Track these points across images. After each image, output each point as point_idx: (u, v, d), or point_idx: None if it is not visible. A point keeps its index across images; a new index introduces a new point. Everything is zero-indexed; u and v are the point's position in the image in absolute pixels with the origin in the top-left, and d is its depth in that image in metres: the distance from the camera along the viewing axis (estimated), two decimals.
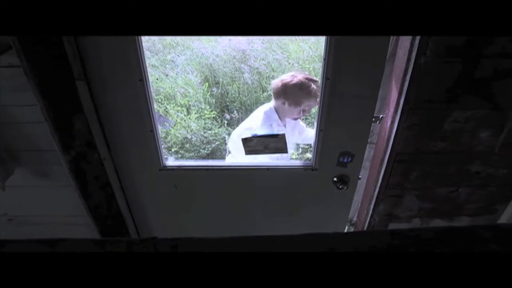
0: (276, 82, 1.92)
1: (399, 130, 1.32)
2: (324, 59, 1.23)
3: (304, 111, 1.93)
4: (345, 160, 1.51)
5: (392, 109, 1.29)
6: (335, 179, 1.57)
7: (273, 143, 1.58)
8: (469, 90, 1.28)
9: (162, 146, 1.53)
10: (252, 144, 1.57)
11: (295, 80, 1.84)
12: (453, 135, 1.42)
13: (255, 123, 1.93)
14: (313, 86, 1.82)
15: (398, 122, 1.30)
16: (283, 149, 1.60)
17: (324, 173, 1.56)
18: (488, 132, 1.43)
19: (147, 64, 1.29)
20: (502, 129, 1.43)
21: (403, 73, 1.20)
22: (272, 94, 1.99)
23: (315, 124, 1.45)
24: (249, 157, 1.69)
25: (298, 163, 1.69)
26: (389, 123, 1.33)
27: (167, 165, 1.54)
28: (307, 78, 1.85)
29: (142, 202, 1.67)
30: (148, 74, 1.30)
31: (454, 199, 1.70)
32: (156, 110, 1.42)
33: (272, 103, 1.98)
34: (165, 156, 1.59)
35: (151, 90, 1.34)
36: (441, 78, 1.23)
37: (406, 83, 1.19)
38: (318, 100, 1.64)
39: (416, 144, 1.41)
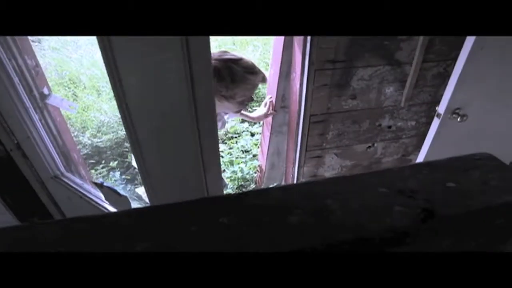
0: None
1: (309, 91, 1.45)
2: None
3: (242, 102, 1.50)
4: None
5: (298, 71, 1.41)
6: None
7: (119, 202, 1.30)
8: (368, 48, 1.44)
9: (52, 155, 1.45)
10: (103, 192, 1.36)
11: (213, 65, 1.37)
12: (362, 92, 1.59)
13: None
14: (237, 68, 1.37)
15: (307, 83, 1.42)
16: None
17: None
18: (392, 88, 1.62)
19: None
20: (404, 84, 1.63)
21: (304, 36, 1.30)
22: None
23: None
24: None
25: None
26: (298, 85, 1.44)
27: (58, 175, 1.48)
28: (225, 60, 1.36)
29: (59, 201, 1.62)
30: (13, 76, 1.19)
31: (372, 154, 1.91)
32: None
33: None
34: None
35: (21, 95, 1.24)
36: (341, 38, 1.36)
37: (308, 45, 1.31)
38: (256, 81, 1.41)
39: (328, 104, 1.55)
